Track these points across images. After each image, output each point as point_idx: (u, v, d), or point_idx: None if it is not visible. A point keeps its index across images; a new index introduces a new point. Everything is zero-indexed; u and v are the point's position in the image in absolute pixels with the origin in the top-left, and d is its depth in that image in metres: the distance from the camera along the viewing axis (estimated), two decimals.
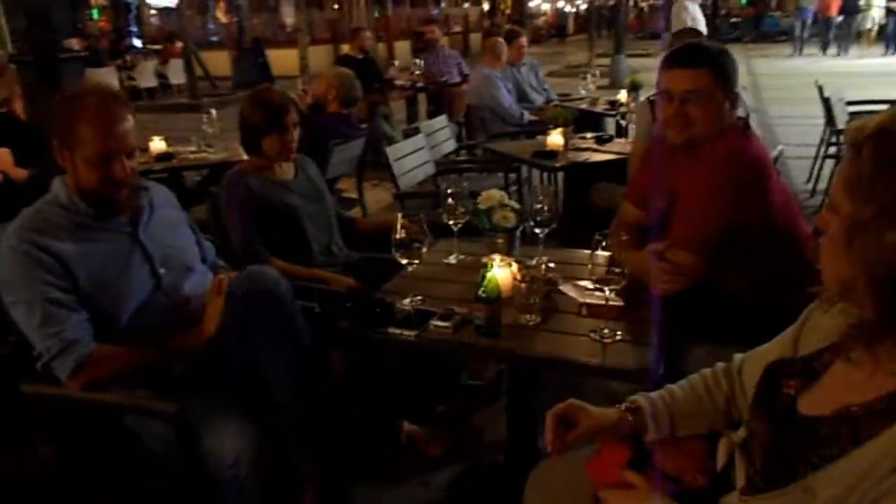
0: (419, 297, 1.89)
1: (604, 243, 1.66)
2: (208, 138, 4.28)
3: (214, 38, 19.28)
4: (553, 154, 3.70)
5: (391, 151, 3.60)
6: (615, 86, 12.59)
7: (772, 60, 16.59)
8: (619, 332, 1.69)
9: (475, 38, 24.58)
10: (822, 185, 5.27)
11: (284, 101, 2.45)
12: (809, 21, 17.70)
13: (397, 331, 1.73)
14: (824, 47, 16.62)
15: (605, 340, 1.67)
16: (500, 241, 2.13)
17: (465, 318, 1.76)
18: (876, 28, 13.93)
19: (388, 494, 2.23)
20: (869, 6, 15.68)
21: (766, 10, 25.04)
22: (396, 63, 8.87)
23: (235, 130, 2.53)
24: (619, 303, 1.77)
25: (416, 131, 4.11)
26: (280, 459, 1.73)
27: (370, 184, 4.81)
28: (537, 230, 2.09)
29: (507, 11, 27.70)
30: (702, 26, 6.13)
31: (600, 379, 2.01)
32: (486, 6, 28.18)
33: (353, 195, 4.32)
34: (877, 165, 0.89)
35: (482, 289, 1.67)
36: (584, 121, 4.86)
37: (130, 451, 1.71)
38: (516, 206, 2.15)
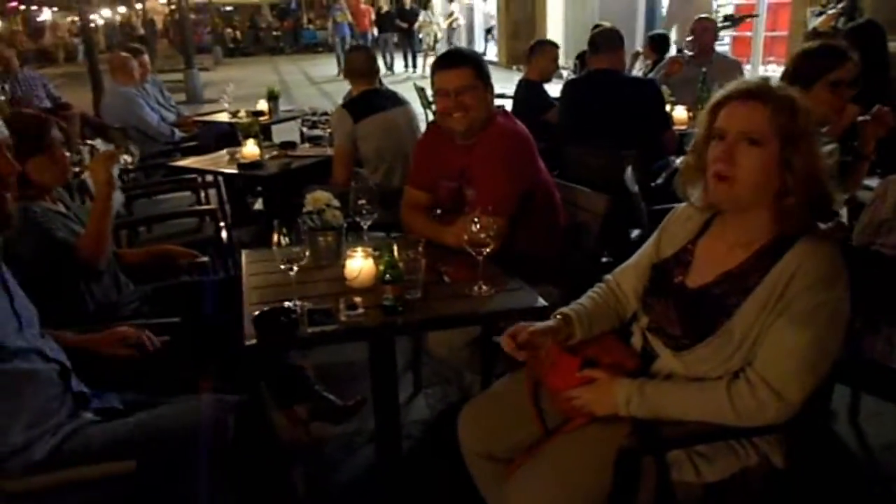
0: (300, 301, 1.95)
1: (475, 219, 1.99)
2: None
3: None
4: (258, 164, 3.78)
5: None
6: (199, 100, 12.45)
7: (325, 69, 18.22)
8: (485, 287, 2.04)
9: None
10: None
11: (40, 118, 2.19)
12: (348, 35, 19.16)
13: (316, 329, 1.80)
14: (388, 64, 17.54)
15: (485, 294, 2.01)
16: (330, 238, 2.28)
17: (364, 305, 1.90)
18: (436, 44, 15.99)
19: None
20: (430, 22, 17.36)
21: (300, 24, 27.11)
22: None
23: None
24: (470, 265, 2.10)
25: None
26: None
27: None
28: (362, 223, 2.32)
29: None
30: None
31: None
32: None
33: None
34: (800, 112, 1.45)
35: (387, 273, 1.85)
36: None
37: None
38: (338, 203, 2.31)
